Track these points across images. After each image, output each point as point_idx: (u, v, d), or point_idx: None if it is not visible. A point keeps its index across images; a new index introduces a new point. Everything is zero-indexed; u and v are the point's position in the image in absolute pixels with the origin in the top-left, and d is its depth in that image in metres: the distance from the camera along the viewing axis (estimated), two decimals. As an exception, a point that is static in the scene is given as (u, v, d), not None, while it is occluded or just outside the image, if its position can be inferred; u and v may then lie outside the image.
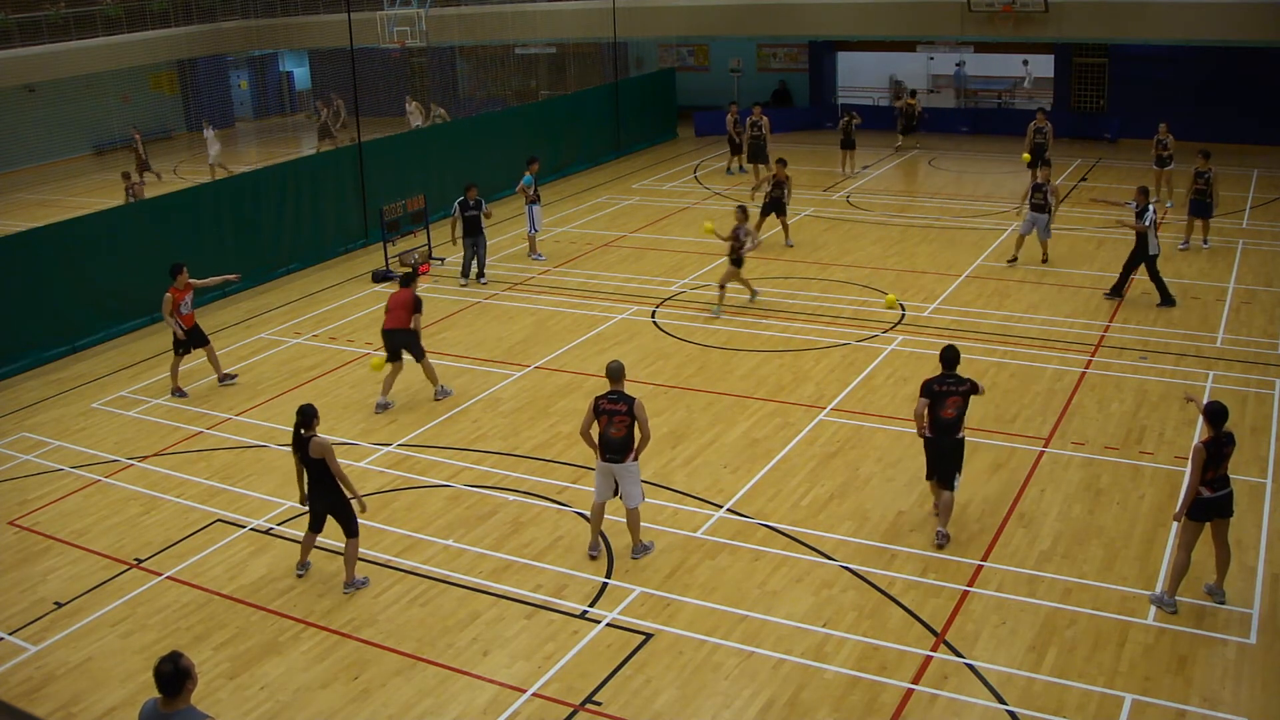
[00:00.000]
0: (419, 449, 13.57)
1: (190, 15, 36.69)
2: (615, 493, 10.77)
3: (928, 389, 10.80)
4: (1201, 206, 19.62)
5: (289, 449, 13.55)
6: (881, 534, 11.16)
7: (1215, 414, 9.46)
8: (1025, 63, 35.70)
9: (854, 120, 27.25)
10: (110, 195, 28.05)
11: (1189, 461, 9.60)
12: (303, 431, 10.33)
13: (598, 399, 10.64)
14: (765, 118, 26.00)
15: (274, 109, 43.71)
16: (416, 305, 14.59)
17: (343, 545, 10.66)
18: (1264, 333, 16.05)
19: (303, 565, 10.97)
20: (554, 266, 20.78)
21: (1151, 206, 17.02)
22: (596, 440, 10.70)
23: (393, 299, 14.71)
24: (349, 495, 10.42)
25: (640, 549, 10.93)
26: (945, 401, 10.70)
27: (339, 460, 10.42)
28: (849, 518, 11.52)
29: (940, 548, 10.81)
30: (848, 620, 9.83)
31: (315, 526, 10.76)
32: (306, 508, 10.77)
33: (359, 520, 10.63)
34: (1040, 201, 19.02)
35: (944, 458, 10.83)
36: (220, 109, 39.49)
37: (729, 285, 17.65)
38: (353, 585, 10.64)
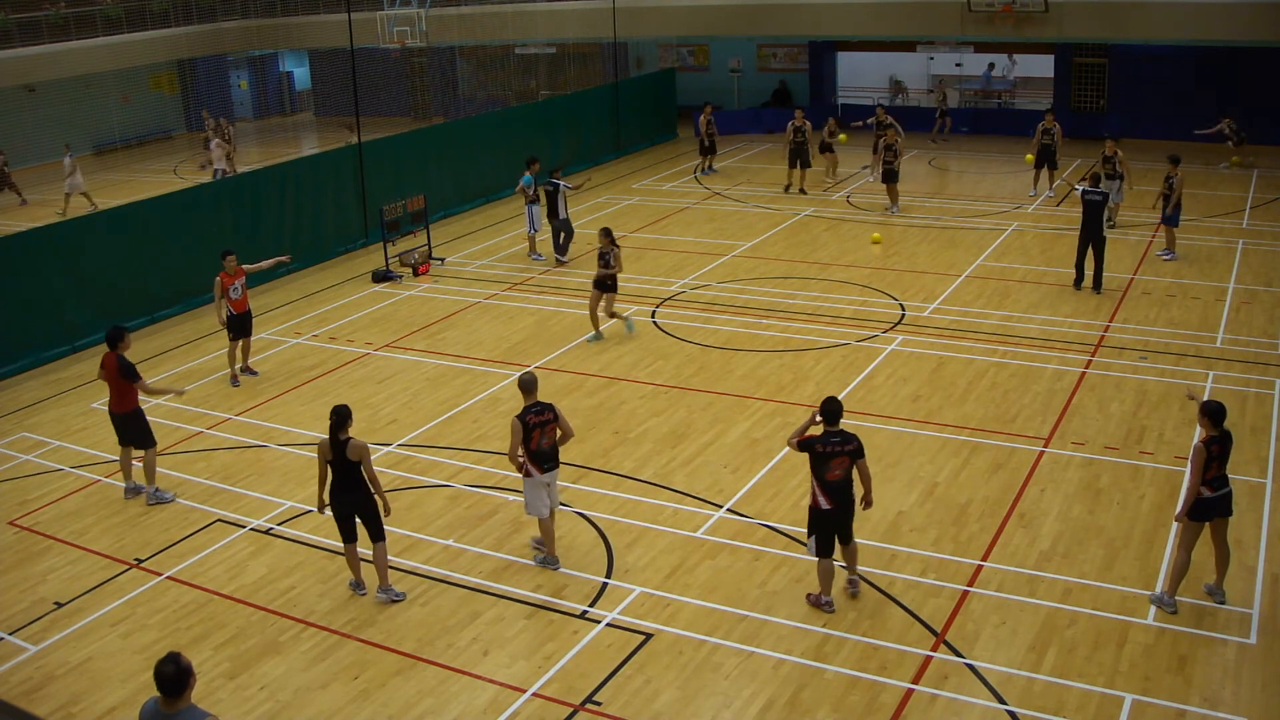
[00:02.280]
0: (419, 449, 13.57)
1: (190, 15, 36.69)
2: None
3: (810, 447, 9.74)
4: (1163, 212, 19.53)
5: (286, 449, 13.69)
6: (881, 534, 11.14)
7: (1214, 412, 9.48)
8: (1011, 59, 35.59)
9: (834, 130, 26.96)
10: (111, 195, 28.07)
11: (1189, 461, 9.60)
12: (339, 435, 9.99)
13: (525, 415, 10.28)
14: (807, 121, 26.02)
15: (274, 109, 43.77)
16: (125, 373, 12.06)
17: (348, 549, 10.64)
18: (1264, 333, 16.05)
19: (358, 583, 10.51)
20: (554, 266, 20.79)
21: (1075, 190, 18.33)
22: (524, 458, 10.37)
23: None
24: (377, 496, 10.06)
25: (554, 560, 10.79)
26: (830, 463, 9.66)
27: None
28: (849, 518, 11.51)
29: (854, 597, 10.07)
30: (848, 620, 9.83)
31: (350, 537, 10.28)
32: (325, 515, 10.40)
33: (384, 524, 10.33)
34: (1111, 171, 20.66)
35: (840, 522, 9.85)
36: (220, 109, 39.50)
37: (607, 312, 16.55)
38: (387, 594, 10.30)
